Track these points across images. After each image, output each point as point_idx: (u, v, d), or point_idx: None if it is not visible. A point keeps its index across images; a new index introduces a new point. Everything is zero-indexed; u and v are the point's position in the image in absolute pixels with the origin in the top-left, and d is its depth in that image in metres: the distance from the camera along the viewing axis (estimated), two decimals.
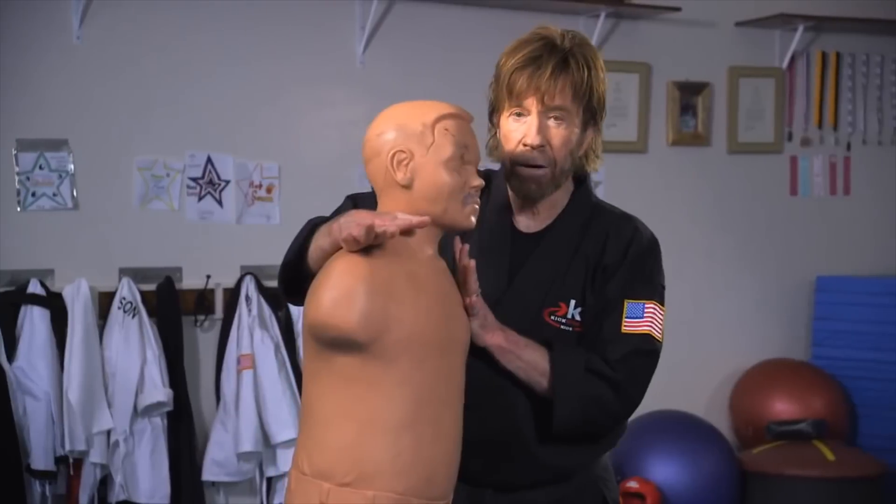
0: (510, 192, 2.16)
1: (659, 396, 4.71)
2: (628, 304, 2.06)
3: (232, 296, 4.06)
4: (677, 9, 4.66)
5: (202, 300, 4.05)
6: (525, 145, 2.06)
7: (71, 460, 3.72)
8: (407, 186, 1.92)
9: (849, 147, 5.18)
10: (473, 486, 2.07)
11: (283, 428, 3.91)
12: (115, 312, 3.84)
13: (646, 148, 4.80)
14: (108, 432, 3.76)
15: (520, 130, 2.07)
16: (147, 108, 4.02)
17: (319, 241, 1.94)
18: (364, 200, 2.10)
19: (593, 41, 4.56)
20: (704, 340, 4.91)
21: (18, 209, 3.85)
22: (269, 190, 4.20)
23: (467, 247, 2.00)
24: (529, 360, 2.04)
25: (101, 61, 3.95)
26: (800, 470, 4.41)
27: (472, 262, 1.99)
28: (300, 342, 4.03)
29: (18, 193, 3.85)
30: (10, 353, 3.70)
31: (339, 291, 1.81)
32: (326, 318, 1.82)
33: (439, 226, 1.94)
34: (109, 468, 3.77)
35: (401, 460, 1.85)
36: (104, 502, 3.80)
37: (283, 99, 4.22)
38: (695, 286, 4.90)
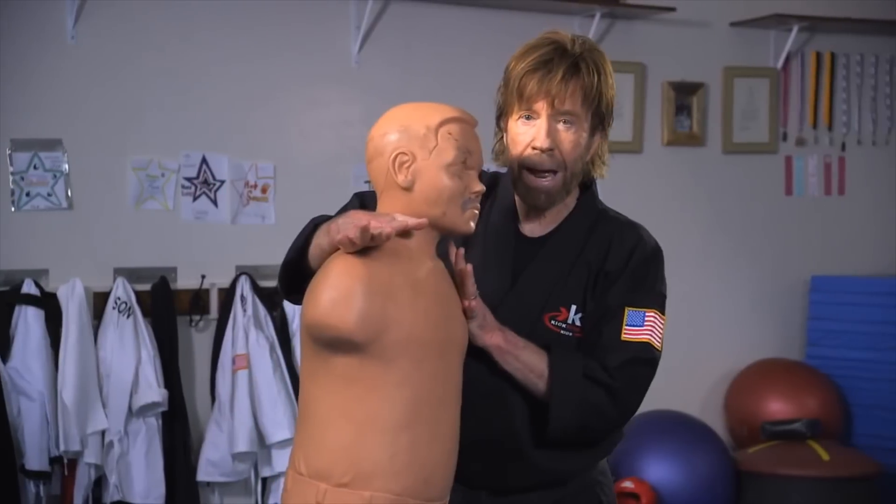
0: (516, 197, 2.15)
1: (654, 396, 4.69)
2: (629, 312, 2.06)
3: (227, 296, 4.05)
4: (672, 9, 4.67)
5: (197, 300, 4.05)
6: (534, 148, 2.05)
7: (65, 461, 3.71)
8: (407, 189, 1.91)
9: (843, 147, 5.19)
10: (469, 487, 2.07)
11: (279, 428, 3.90)
12: (110, 312, 3.83)
13: (641, 148, 4.80)
14: (103, 432, 3.75)
15: (528, 133, 2.06)
16: (142, 107, 4.01)
17: (319, 240, 1.94)
18: (372, 199, 2.09)
19: None
20: (699, 340, 4.92)
21: (13, 209, 3.84)
22: (264, 190, 4.19)
23: (462, 251, 1.99)
24: (527, 362, 2.03)
25: (95, 61, 3.94)
26: (794, 470, 4.42)
27: (469, 267, 1.98)
28: (295, 342, 4.03)
29: (13, 193, 3.84)
30: (5, 353, 3.69)
31: (338, 292, 1.81)
32: (324, 318, 1.82)
33: (438, 229, 1.94)
34: (104, 468, 3.76)
35: (398, 461, 1.85)
36: (99, 503, 3.80)
37: (278, 99, 4.21)
38: (689, 286, 4.90)
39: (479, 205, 1.97)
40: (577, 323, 2.08)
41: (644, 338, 2.06)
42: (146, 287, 3.95)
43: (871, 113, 5.22)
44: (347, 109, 4.28)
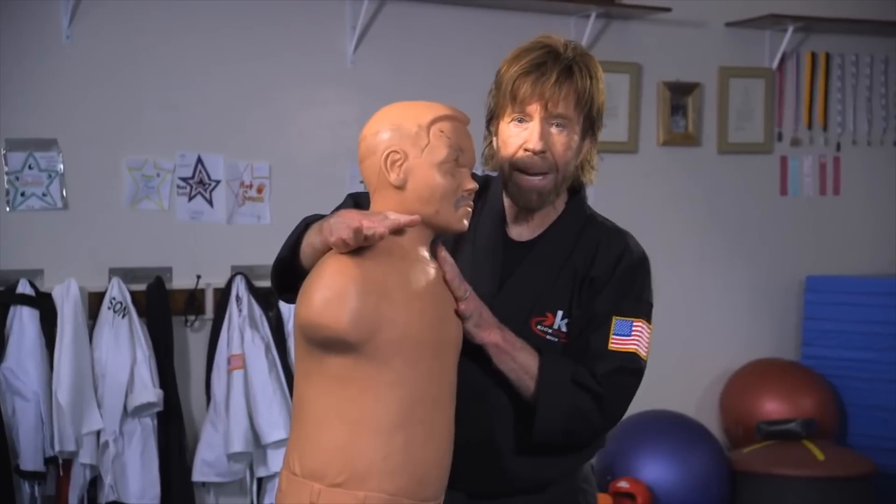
0: (505, 200, 2.15)
1: (649, 396, 4.72)
2: (616, 321, 2.06)
3: (222, 296, 4.05)
4: (668, 9, 4.67)
5: (192, 300, 4.04)
6: (527, 150, 2.05)
7: (60, 461, 3.71)
8: (400, 187, 1.91)
9: (838, 147, 5.20)
10: (449, 488, 2.07)
11: (274, 428, 3.90)
12: (105, 313, 3.83)
13: (636, 148, 4.81)
14: (98, 433, 3.74)
15: (521, 136, 2.06)
16: (137, 107, 4.01)
17: (311, 239, 1.94)
18: (366, 200, 2.09)
19: (584, 42, 4.57)
20: (695, 340, 4.92)
21: (7, 209, 3.84)
22: (259, 190, 4.19)
23: (445, 255, 1.98)
24: (523, 363, 2.03)
25: (90, 61, 3.94)
26: (790, 469, 4.42)
27: (451, 270, 1.98)
28: (291, 342, 4.02)
29: (7, 193, 3.83)
30: (0, 353, 3.68)
31: (331, 291, 1.81)
32: (318, 317, 1.81)
33: (431, 227, 1.94)
34: (99, 469, 3.76)
35: (392, 461, 1.85)
36: (94, 503, 3.79)
37: (274, 99, 4.21)
38: (685, 286, 4.90)
39: (472, 203, 1.97)
40: (564, 329, 2.08)
41: (631, 347, 2.06)
42: (141, 287, 3.95)
43: (866, 113, 5.23)
44: (343, 109, 4.28)
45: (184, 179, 4.08)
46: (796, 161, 5.13)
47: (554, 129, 2.06)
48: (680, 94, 4.86)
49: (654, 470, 4.42)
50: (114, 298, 3.83)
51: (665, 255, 4.88)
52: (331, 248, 1.88)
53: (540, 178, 2.07)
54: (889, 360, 4.77)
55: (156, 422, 3.85)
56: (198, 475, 3.94)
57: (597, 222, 2.16)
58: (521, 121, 2.07)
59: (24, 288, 3.75)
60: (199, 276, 4.06)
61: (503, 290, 2.09)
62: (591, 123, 2.11)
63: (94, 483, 3.79)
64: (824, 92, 5.14)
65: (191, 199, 4.09)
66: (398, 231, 1.87)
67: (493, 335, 2.01)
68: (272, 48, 4.19)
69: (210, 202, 4.11)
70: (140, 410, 3.80)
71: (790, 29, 4.91)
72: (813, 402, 4.74)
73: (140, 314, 3.88)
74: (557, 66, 2.05)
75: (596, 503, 2.22)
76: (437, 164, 1.91)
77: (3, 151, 3.83)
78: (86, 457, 3.71)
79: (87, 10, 3.91)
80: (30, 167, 3.87)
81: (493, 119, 2.14)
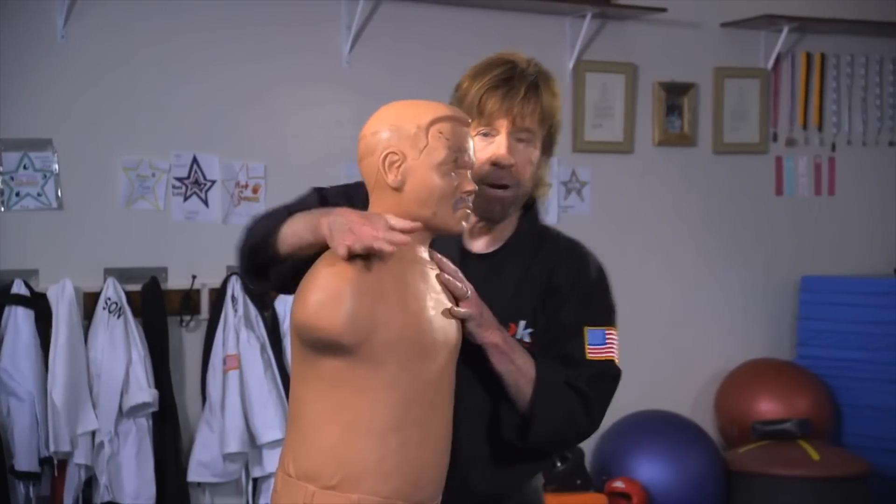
0: None
1: (645, 396, 4.74)
2: (589, 332, 2.10)
3: (218, 296, 4.05)
4: (663, 10, 4.67)
5: (188, 300, 4.04)
6: (494, 164, 2.07)
7: (55, 461, 3.70)
8: (398, 189, 1.91)
9: (833, 147, 5.20)
10: None
11: (269, 428, 3.90)
12: (100, 313, 3.82)
13: (632, 148, 4.81)
14: (93, 433, 3.74)
15: (487, 150, 2.08)
16: (132, 107, 4.00)
17: (297, 229, 1.92)
18: (334, 198, 2.08)
19: (579, 42, 4.58)
20: (690, 340, 4.92)
21: (2, 209, 3.83)
22: (255, 190, 4.19)
23: (440, 257, 1.99)
24: (521, 365, 2.04)
25: (85, 61, 3.93)
26: (785, 469, 4.42)
27: (452, 271, 1.98)
28: (286, 342, 4.02)
29: (2, 193, 3.83)
30: None
31: (326, 293, 1.80)
32: (313, 319, 1.81)
33: (429, 229, 1.94)
34: (94, 469, 3.75)
35: (386, 463, 1.84)
36: (88, 503, 3.79)
37: (269, 99, 4.21)
38: (680, 286, 4.91)
39: (470, 204, 1.97)
40: (528, 339, 2.10)
41: (608, 356, 2.10)
42: (137, 287, 3.94)
43: (861, 113, 5.24)
44: (338, 109, 4.27)
45: (179, 179, 4.07)
46: (791, 161, 5.14)
47: (519, 144, 2.09)
48: (675, 95, 4.86)
49: (650, 470, 4.42)
50: (109, 298, 3.83)
51: (660, 256, 4.89)
52: (323, 245, 1.87)
53: (504, 190, 2.09)
54: (884, 360, 4.77)
55: (151, 422, 3.85)
56: (193, 475, 3.94)
57: (551, 234, 2.20)
58: (486, 135, 2.09)
59: (19, 288, 3.74)
60: (194, 277, 4.06)
61: None
62: (549, 140, 2.15)
63: (90, 483, 3.79)
64: (819, 92, 5.15)
65: (186, 199, 4.08)
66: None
67: (493, 336, 2.02)
68: (268, 48, 4.19)
69: (205, 202, 4.11)
70: (135, 411, 3.80)
71: (785, 29, 4.91)
72: (808, 402, 4.75)
73: (135, 314, 3.87)
74: (524, 82, 2.09)
75: None
76: (436, 165, 1.90)
77: None
78: (81, 457, 3.70)
79: (83, 10, 3.90)
80: (25, 167, 3.86)
81: None
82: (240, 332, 3.96)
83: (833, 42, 5.16)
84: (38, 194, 3.88)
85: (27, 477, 3.66)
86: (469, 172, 1.96)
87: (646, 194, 4.83)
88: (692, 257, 4.95)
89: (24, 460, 3.65)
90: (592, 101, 4.64)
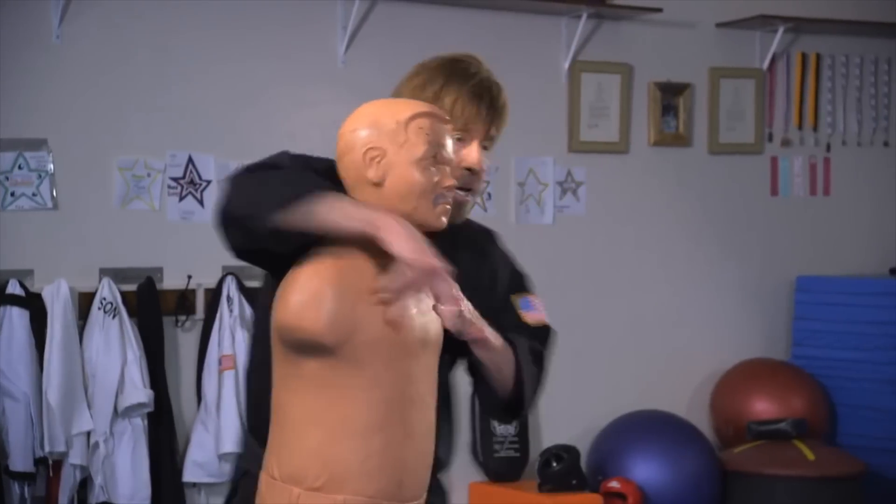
0: None
1: (640, 396, 4.74)
2: (519, 300, 2.14)
3: (213, 296, 4.04)
4: (658, 10, 4.68)
5: (183, 300, 4.04)
6: (468, 169, 2.08)
7: (50, 462, 3.70)
8: (378, 184, 1.91)
9: (828, 148, 5.21)
10: None
11: None
12: (96, 313, 3.82)
13: (627, 148, 4.81)
14: (88, 433, 3.74)
15: (458, 154, 2.07)
16: (127, 107, 4.00)
17: (339, 220, 1.84)
18: (317, 167, 2.05)
19: (574, 42, 4.59)
20: (685, 340, 4.93)
21: None
22: None
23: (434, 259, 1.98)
24: (501, 349, 2.05)
25: (80, 60, 3.93)
26: (780, 469, 4.43)
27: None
28: None
29: None
30: None
31: (307, 294, 1.80)
32: (294, 320, 1.80)
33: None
34: (89, 469, 3.75)
35: (370, 463, 1.84)
36: None
37: (265, 99, 4.20)
38: (675, 286, 4.91)
39: (451, 200, 1.97)
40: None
41: (542, 319, 2.15)
42: (132, 287, 3.94)
43: (857, 114, 5.24)
44: (334, 109, 4.21)
45: (174, 179, 4.07)
46: (787, 161, 5.14)
47: (484, 151, 2.12)
48: (671, 95, 4.87)
49: (645, 470, 4.42)
50: (104, 299, 3.82)
51: (656, 256, 4.89)
52: (361, 238, 1.82)
53: (466, 193, 2.10)
54: (879, 360, 4.78)
55: (146, 422, 3.84)
56: (188, 476, 3.94)
57: (466, 224, 2.19)
58: (458, 139, 2.09)
59: (13, 288, 3.74)
60: (189, 277, 4.05)
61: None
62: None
63: (85, 484, 3.78)
64: (815, 92, 5.16)
65: (181, 199, 4.08)
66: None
67: (480, 331, 2.01)
68: (263, 48, 4.19)
69: (201, 202, 4.10)
70: (130, 411, 3.79)
71: (780, 29, 4.92)
72: (803, 402, 4.75)
73: (130, 314, 3.87)
74: (500, 90, 2.12)
75: None
76: (416, 160, 1.90)
77: None
78: (76, 457, 3.70)
79: (78, 10, 3.90)
80: (20, 167, 3.86)
81: None
82: (235, 332, 3.96)
83: (828, 42, 5.17)
84: (33, 194, 3.88)
85: (22, 477, 3.66)
86: (448, 169, 1.96)
87: (641, 194, 4.83)
88: (688, 257, 4.95)
89: (19, 461, 3.64)
90: (588, 102, 4.64)
